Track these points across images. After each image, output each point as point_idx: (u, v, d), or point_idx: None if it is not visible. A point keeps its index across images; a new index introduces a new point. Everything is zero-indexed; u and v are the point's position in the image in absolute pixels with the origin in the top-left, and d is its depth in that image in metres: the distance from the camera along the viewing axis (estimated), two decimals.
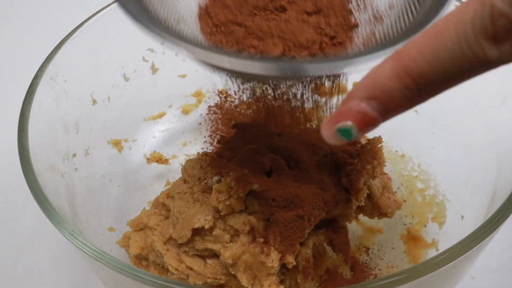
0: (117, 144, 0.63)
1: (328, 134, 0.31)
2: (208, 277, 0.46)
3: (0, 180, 0.67)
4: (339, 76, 0.47)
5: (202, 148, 0.66)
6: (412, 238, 0.55)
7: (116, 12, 0.59)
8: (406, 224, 0.57)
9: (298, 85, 0.49)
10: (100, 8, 0.59)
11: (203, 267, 0.46)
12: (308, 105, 0.69)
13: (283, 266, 0.45)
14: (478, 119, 0.55)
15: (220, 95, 0.70)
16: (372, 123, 0.30)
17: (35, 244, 0.60)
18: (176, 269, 0.46)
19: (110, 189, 0.60)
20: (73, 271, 0.58)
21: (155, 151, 0.65)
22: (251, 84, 0.50)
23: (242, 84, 0.49)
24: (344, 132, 0.31)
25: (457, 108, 0.58)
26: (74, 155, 0.54)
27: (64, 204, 0.47)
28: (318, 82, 0.48)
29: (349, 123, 0.30)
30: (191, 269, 0.46)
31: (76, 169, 0.54)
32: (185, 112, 0.69)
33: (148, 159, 0.65)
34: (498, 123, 0.52)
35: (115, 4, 0.59)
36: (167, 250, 0.47)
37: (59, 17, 0.89)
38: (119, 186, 0.61)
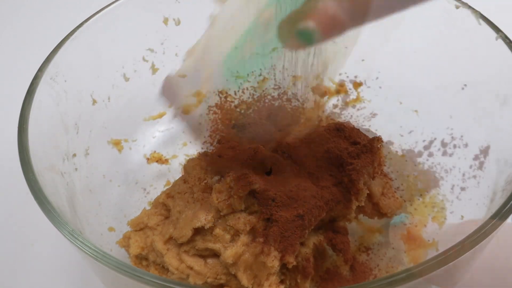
0: (117, 144, 0.63)
1: (285, 35, 0.26)
2: (208, 277, 0.46)
3: (0, 180, 0.67)
4: None
5: (202, 148, 0.66)
6: (412, 238, 0.55)
7: (117, 12, 0.60)
8: (406, 224, 0.57)
9: None
10: (100, 8, 0.59)
11: (204, 267, 0.46)
12: (309, 104, 0.69)
13: (283, 266, 0.45)
14: (478, 120, 0.55)
15: (220, 95, 0.70)
16: (340, 28, 0.25)
17: (35, 244, 0.60)
18: (177, 269, 0.46)
19: (110, 189, 0.60)
20: (73, 271, 0.58)
21: (155, 151, 0.65)
22: None
23: None
24: (305, 35, 0.25)
25: (457, 108, 0.58)
26: (74, 155, 0.54)
27: (64, 204, 0.47)
28: None
29: (311, 25, 0.24)
30: (191, 268, 0.46)
31: (76, 169, 0.54)
32: (185, 112, 0.69)
33: (148, 159, 0.65)
34: (499, 124, 0.52)
35: (115, 4, 0.60)
36: (167, 249, 0.47)
37: (59, 17, 0.89)
38: (119, 186, 0.61)
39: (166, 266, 0.47)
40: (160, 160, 0.65)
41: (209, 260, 0.46)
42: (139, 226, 0.50)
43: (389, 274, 0.50)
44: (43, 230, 0.61)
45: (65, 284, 0.57)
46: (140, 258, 0.50)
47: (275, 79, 0.71)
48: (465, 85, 0.56)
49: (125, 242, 0.50)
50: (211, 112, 0.69)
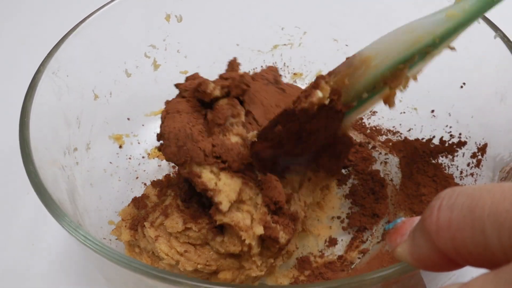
0: (118, 139, 0.63)
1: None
2: (199, 263, 0.46)
3: (0, 181, 0.67)
4: None
5: None
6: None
7: (119, 8, 0.60)
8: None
9: None
10: (102, 4, 0.59)
11: (194, 253, 0.46)
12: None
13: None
14: (476, 118, 0.56)
15: None
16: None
17: (35, 244, 0.61)
18: (167, 255, 0.46)
19: (111, 183, 0.61)
20: (73, 271, 0.58)
21: (156, 147, 0.66)
22: None
23: None
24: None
25: (456, 106, 0.58)
26: (76, 149, 0.55)
27: (65, 197, 0.47)
28: None
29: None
30: (181, 254, 0.46)
31: (77, 163, 0.55)
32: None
33: (149, 154, 0.65)
34: (496, 121, 0.52)
35: (118, 0, 0.60)
36: (158, 236, 0.47)
37: (62, 12, 0.90)
38: (120, 180, 0.62)
39: (157, 253, 0.47)
40: (161, 155, 0.65)
41: (200, 248, 0.47)
42: (130, 216, 0.51)
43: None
44: (43, 230, 0.61)
45: (65, 284, 0.57)
46: (133, 245, 0.50)
47: None
48: (464, 83, 0.57)
49: (118, 232, 0.51)
50: None
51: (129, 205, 0.52)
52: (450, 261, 0.27)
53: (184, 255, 0.46)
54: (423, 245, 0.28)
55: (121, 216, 0.52)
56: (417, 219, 0.32)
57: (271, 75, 0.53)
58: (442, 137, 0.59)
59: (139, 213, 0.51)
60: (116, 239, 0.53)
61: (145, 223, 0.48)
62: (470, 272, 0.27)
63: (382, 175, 0.61)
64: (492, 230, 0.24)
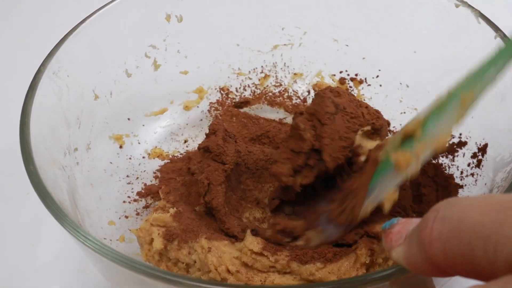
0: (118, 139, 0.63)
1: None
2: (249, 281, 0.43)
3: (0, 180, 0.67)
4: None
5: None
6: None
7: (119, 8, 0.60)
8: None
9: None
10: (103, 4, 0.59)
11: (245, 275, 0.43)
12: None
13: None
14: (476, 118, 0.56)
15: (222, 92, 0.71)
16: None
17: (35, 244, 0.61)
18: (216, 269, 0.43)
19: (111, 184, 0.60)
20: (73, 272, 0.58)
21: (156, 147, 0.66)
22: None
23: None
24: None
25: None
26: (76, 149, 0.55)
27: (65, 198, 0.47)
28: None
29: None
30: (231, 273, 0.43)
31: (77, 163, 0.55)
32: (187, 108, 0.70)
33: (149, 154, 0.65)
34: (496, 122, 0.52)
35: (118, 0, 0.60)
36: (210, 248, 0.44)
37: (62, 12, 0.90)
38: (120, 180, 0.61)
39: (178, 262, 0.46)
40: (161, 155, 0.65)
41: (258, 273, 0.43)
42: (166, 225, 0.48)
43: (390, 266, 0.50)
44: (43, 230, 0.61)
45: (65, 285, 0.57)
46: (153, 252, 0.48)
47: (276, 76, 0.72)
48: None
49: (141, 233, 0.49)
50: (213, 108, 0.70)
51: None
52: (442, 270, 0.27)
53: (235, 274, 0.43)
54: (417, 254, 0.28)
55: (152, 222, 0.49)
56: (414, 221, 0.32)
57: (332, 107, 0.49)
58: None
59: (178, 226, 0.48)
60: (117, 239, 0.53)
61: (201, 233, 0.45)
62: None
63: None
64: (477, 243, 0.24)
